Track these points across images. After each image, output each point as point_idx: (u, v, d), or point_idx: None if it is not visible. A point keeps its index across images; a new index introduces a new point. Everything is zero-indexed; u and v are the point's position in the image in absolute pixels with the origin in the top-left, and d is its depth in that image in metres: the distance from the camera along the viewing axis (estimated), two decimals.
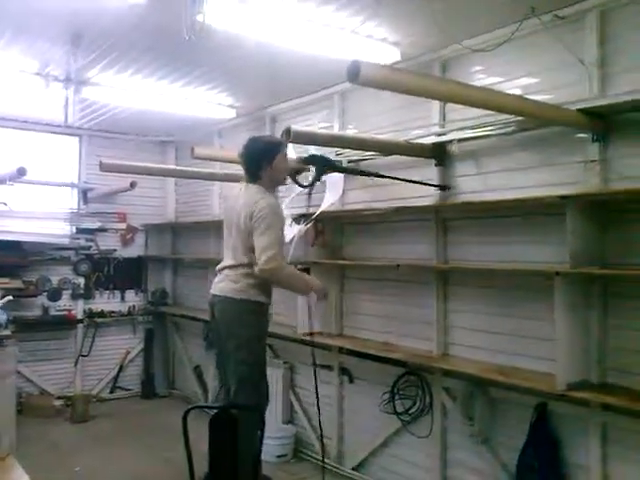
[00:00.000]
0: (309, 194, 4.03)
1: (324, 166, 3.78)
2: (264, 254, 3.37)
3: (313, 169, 4.09)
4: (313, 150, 4.31)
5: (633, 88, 3.01)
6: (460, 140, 3.88)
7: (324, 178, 4.50)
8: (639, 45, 3.09)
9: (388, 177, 4.19)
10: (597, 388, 3.12)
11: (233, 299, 3.55)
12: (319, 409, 4.07)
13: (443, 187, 4.05)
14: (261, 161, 3.60)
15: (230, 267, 3.61)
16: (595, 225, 3.17)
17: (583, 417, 3.25)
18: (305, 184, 4.21)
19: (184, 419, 3.00)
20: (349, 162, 4.79)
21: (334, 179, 4.72)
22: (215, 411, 3.18)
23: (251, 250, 3.49)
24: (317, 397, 4.02)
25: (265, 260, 3.36)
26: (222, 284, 3.62)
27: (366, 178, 4.61)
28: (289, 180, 3.94)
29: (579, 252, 3.05)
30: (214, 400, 3.67)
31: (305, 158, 4.06)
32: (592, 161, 3.23)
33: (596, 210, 3.17)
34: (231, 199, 3.81)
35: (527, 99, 3.19)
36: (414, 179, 4.15)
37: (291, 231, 4.80)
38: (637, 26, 3.11)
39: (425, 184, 4.08)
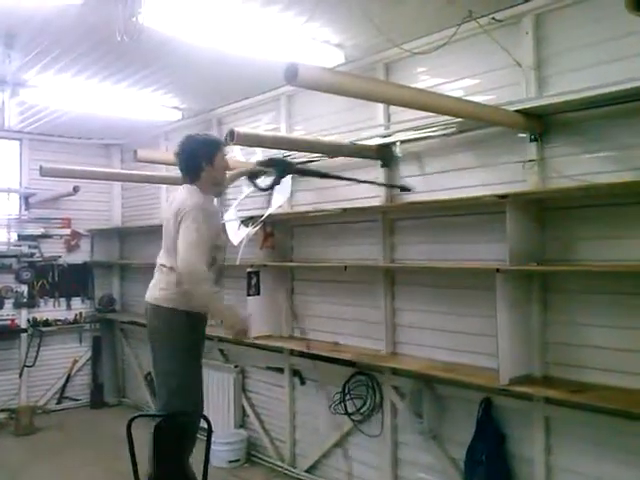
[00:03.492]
0: (269, 197, 3.66)
1: (284, 169, 3.55)
2: (180, 258, 3.13)
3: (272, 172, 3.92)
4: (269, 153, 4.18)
5: (568, 89, 3.09)
6: (403, 141, 3.93)
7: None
8: (573, 47, 3.19)
9: (349, 179, 4.08)
10: (539, 382, 3.20)
11: (163, 307, 3.32)
12: None
13: (402, 188, 3.92)
14: (200, 160, 3.39)
15: (161, 270, 3.40)
16: (534, 223, 3.25)
17: (527, 411, 3.32)
18: (264, 187, 4.01)
19: (128, 427, 2.96)
20: (297, 164, 4.79)
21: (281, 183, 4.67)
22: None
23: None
24: None
25: (181, 264, 3.12)
26: (152, 290, 3.41)
27: (315, 179, 4.64)
28: (244, 181, 3.71)
29: (519, 249, 3.13)
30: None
31: (263, 161, 3.88)
32: (530, 160, 3.31)
33: (534, 208, 3.26)
34: (168, 201, 3.65)
35: (465, 100, 3.25)
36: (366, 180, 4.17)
37: (240, 234, 4.77)
38: (571, 29, 3.20)
39: (387, 185, 3.98)
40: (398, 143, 3.92)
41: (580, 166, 3.14)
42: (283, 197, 4.70)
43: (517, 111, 3.20)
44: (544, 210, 3.28)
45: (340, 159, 4.39)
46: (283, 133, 4.94)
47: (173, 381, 3.32)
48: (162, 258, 3.45)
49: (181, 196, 3.37)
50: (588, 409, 2.99)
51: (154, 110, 5.54)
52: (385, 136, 4.09)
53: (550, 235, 3.26)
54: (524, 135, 3.38)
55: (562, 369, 3.20)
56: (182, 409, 3.27)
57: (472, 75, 3.68)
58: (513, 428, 3.41)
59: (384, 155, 4.11)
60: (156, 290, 3.39)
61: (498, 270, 3.08)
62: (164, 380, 3.36)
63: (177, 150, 3.48)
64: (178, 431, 3.05)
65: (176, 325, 3.30)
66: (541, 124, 3.28)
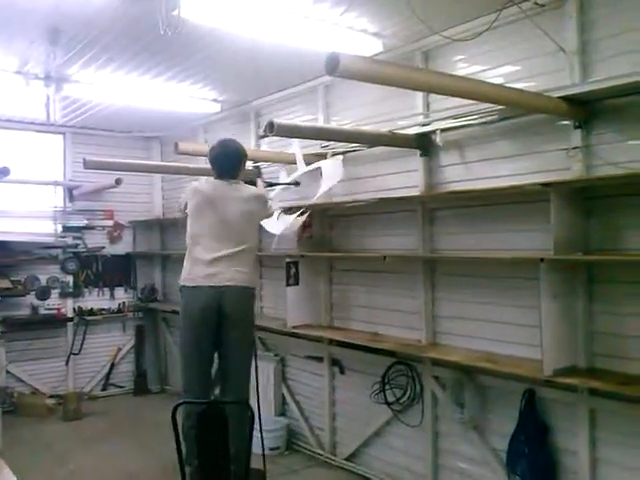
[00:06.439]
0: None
1: None
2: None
3: None
4: None
5: (613, 74, 3.01)
6: (443, 130, 3.88)
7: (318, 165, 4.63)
8: (619, 31, 3.10)
9: None
10: (584, 373, 3.15)
11: (246, 288, 3.63)
12: None
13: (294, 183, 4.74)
14: (241, 161, 3.83)
15: (231, 256, 3.56)
16: (578, 212, 3.19)
17: (571, 402, 3.28)
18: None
19: (173, 415, 3.01)
20: (334, 154, 4.78)
21: (331, 166, 4.63)
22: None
23: (255, 234, 3.85)
24: None
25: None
26: (228, 274, 3.54)
27: (353, 169, 4.63)
28: None
29: (563, 239, 3.07)
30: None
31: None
32: (574, 148, 3.24)
33: (579, 197, 3.19)
34: (212, 191, 3.73)
35: (507, 87, 3.20)
36: (398, 170, 4.16)
37: (279, 224, 4.78)
38: (616, 13, 3.11)
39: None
40: (438, 132, 3.87)
41: (626, 153, 3.06)
42: (333, 181, 4.61)
43: (560, 98, 3.14)
44: (589, 198, 3.21)
45: (379, 149, 4.37)
46: (321, 124, 4.94)
47: (249, 360, 3.69)
48: (226, 248, 3.59)
49: (247, 190, 3.78)
50: (636, 402, 2.93)
51: (193, 103, 5.60)
52: (424, 125, 4.06)
53: (595, 224, 3.19)
54: (567, 122, 3.31)
55: (608, 361, 3.14)
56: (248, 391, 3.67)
57: (513, 62, 3.61)
58: (557, 420, 3.37)
59: (423, 144, 4.08)
60: (233, 273, 3.55)
61: (542, 260, 3.03)
62: (242, 359, 3.66)
63: (220, 150, 3.78)
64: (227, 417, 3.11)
65: (252, 304, 3.74)
66: (585, 111, 3.21)
